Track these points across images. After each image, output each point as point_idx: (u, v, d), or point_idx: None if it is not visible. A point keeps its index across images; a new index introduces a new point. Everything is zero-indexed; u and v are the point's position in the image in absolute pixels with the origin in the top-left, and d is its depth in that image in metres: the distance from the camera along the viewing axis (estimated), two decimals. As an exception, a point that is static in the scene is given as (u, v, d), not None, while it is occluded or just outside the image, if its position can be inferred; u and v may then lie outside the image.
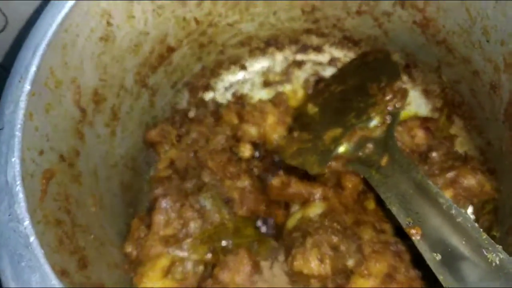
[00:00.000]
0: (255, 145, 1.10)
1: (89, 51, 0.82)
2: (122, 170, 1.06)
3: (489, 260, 0.60)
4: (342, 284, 0.87)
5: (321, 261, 0.83)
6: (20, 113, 0.76)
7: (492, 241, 0.62)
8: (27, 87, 0.77)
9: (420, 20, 0.96)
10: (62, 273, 0.71)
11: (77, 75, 0.83)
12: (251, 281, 0.84)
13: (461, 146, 1.05)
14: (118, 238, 0.99)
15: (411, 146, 1.01)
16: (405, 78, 1.12)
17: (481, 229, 0.64)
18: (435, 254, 0.66)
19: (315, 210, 0.97)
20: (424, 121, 1.02)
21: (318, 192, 0.99)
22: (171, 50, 1.05)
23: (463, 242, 0.64)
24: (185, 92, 1.21)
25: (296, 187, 1.00)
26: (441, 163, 0.95)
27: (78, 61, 0.83)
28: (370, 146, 0.87)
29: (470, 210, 0.67)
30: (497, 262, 0.59)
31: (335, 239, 0.86)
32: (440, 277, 0.64)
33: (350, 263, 0.85)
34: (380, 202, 0.91)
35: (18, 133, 0.75)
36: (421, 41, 0.98)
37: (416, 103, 1.11)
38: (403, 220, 0.72)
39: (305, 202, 1.01)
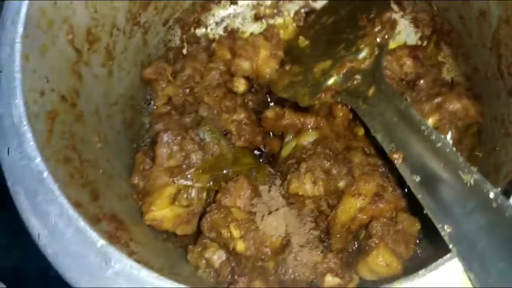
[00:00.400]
0: (249, 80, 1.13)
1: (79, -10, 0.82)
2: (123, 109, 1.09)
3: (465, 181, 0.65)
4: (334, 204, 0.96)
5: (315, 183, 0.90)
6: (17, 55, 0.78)
7: (468, 164, 0.67)
8: (20, 29, 0.79)
9: None
10: (76, 205, 0.77)
11: (68, 14, 0.83)
12: (251, 204, 0.91)
13: (448, 73, 1.09)
14: (125, 171, 1.05)
15: (400, 75, 1.04)
16: (395, 7, 1.13)
17: (459, 153, 0.69)
18: (415, 176, 0.71)
19: (308, 138, 1.03)
20: (412, 50, 1.04)
21: (311, 122, 1.04)
22: (160, -15, 1.04)
23: (441, 165, 0.69)
24: (177, 28, 1.21)
25: (290, 117, 1.04)
26: (428, 89, 0.99)
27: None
28: (358, 77, 0.91)
29: (449, 136, 0.71)
30: (472, 183, 0.64)
31: (327, 163, 0.93)
32: (419, 196, 0.70)
33: (341, 184, 0.93)
34: (369, 130, 0.97)
35: (18, 75, 0.78)
36: (412, -33, 0.97)
37: (406, 32, 1.13)
38: (386, 146, 0.78)
39: (299, 131, 1.06)
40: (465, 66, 1.03)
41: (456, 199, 0.64)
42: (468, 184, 0.63)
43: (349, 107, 0.97)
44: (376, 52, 0.92)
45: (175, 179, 0.96)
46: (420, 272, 0.55)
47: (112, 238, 0.80)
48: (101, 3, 0.91)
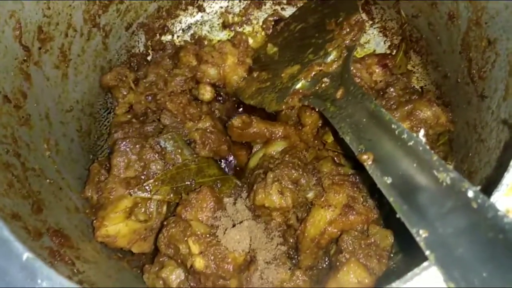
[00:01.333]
0: (215, 88, 1.08)
1: (27, -19, 0.76)
2: (79, 116, 1.02)
3: (440, 180, 0.59)
4: (303, 217, 0.90)
5: (282, 194, 0.84)
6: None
7: (443, 162, 0.62)
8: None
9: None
10: (13, 216, 0.69)
11: (16, 8, 0.76)
12: (214, 217, 0.84)
13: (418, 82, 1.07)
14: (79, 183, 0.97)
15: (370, 83, 1.01)
16: (364, 16, 1.11)
17: (432, 151, 0.64)
18: (386, 177, 0.65)
19: (277, 147, 0.98)
20: (381, 58, 1.02)
21: (279, 131, 0.99)
22: (122, -14, 0.99)
23: (414, 165, 0.64)
24: (141, 34, 1.15)
25: (258, 126, 0.99)
26: (398, 97, 0.96)
27: (16, -8, 0.77)
28: (326, 80, 0.87)
29: (421, 134, 0.66)
30: (448, 182, 0.58)
31: (295, 173, 0.88)
32: (391, 199, 0.63)
33: (310, 195, 0.87)
34: (338, 136, 0.93)
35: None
36: (380, -26, 0.96)
37: (375, 41, 1.11)
38: (355, 147, 0.73)
39: (267, 141, 1.01)
40: (435, 74, 1.02)
41: (432, 200, 0.58)
42: (444, 184, 0.57)
43: (317, 113, 0.93)
44: (344, 54, 0.89)
45: (131, 191, 0.89)
46: (394, 284, 0.49)
47: (54, 255, 0.71)
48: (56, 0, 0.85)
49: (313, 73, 0.90)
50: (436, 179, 0.60)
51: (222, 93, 1.11)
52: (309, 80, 0.90)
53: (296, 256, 0.91)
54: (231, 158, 1.07)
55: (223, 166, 1.06)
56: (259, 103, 0.97)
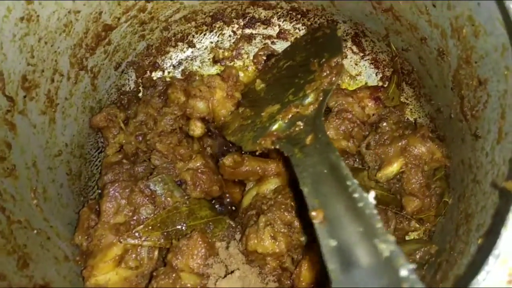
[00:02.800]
0: (206, 122, 1.07)
1: (9, 33, 0.75)
2: (68, 159, 1.00)
3: (380, 252, 0.54)
4: (299, 260, 0.87)
5: (275, 239, 0.82)
6: None
7: (386, 231, 0.57)
8: None
9: (366, -13, 0.93)
10: (-3, 277, 0.67)
11: (-2, 60, 0.76)
12: (206, 264, 0.82)
13: (411, 114, 1.06)
14: (68, 229, 0.94)
15: (362, 117, 1.00)
16: (354, 48, 1.10)
17: (379, 217, 0.58)
18: (331, 240, 0.59)
19: (270, 186, 0.96)
20: (373, 91, 1.01)
21: (272, 168, 0.98)
22: (108, 28, 0.98)
23: (361, 229, 0.58)
24: (131, 72, 1.15)
25: (250, 164, 0.97)
26: (392, 132, 0.95)
27: (-3, 45, 0.76)
28: (300, 124, 0.84)
29: (372, 195, 0.59)
30: (387, 254, 0.54)
31: (288, 215, 0.85)
32: (331, 266, 0.56)
33: (304, 239, 0.85)
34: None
35: None
36: (368, 9, 0.95)
37: (367, 73, 1.10)
38: (310, 201, 0.66)
39: (260, 179, 0.99)
40: (428, 107, 1.00)
41: (369, 275, 0.53)
42: (383, 256, 0.53)
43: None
44: (320, 98, 0.87)
45: (121, 238, 0.86)
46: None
47: (40, 314, 0.69)
48: (39, 47, 0.84)
49: (290, 114, 0.87)
50: (377, 250, 0.55)
51: (211, 128, 1.10)
52: (286, 121, 0.88)
53: (293, 300, 0.89)
54: (226, 199, 1.05)
55: (216, 206, 1.04)
56: (238, 141, 0.95)
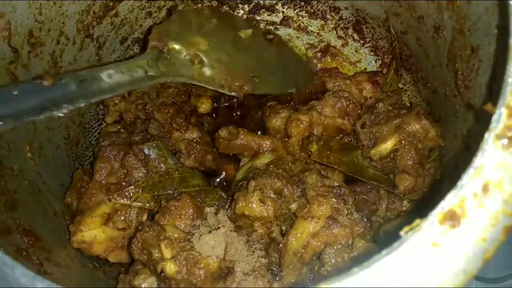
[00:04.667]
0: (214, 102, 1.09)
1: (19, -16, 0.78)
2: (67, 124, 1.02)
3: None
4: (287, 230, 0.86)
5: (263, 203, 0.82)
6: None
7: None
8: None
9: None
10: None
11: (6, 10, 0.78)
12: (192, 225, 0.82)
13: (409, 100, 1.06)
14: (61, 189, 0.95)
15: (359, 99, 1.01)
16: (355, 35, 1.12)
17: None
18: None
19: (264, 160, 0.96)
20: (372, 75, 1.02)
21: (267, 144, 0.98)
22: (116, -1, 1.02)
23: None
24: (136, 50, 1.17)
25: (245, 138, 0.98)
26: (387, 112, 0.95)
27: (7, -7, 0.79)
28: None
29: None
30: None
31: (278, 182, 0.85)
32: None
33: (294, 206, 0.85)
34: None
35: None
36: (369, -8, 0.98)
37: (366, 60, 1.12)
38: None
39: (255, 154, 1.00)
40: (425, 91, 1.01)
41: None
42: None
43: (304, 126, 0.92)
44: None
45: (111, 196, 0.87)
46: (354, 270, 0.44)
47: (21, 253, 0.69)
48: (48, 6, 0.87)
49: None
50: None
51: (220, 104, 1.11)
52: None
53: (279, 272, 0.87)
54: (221, 175, 1.05)
55: (211, 180, 1.04)
56: None
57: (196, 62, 0.93)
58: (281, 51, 1.10)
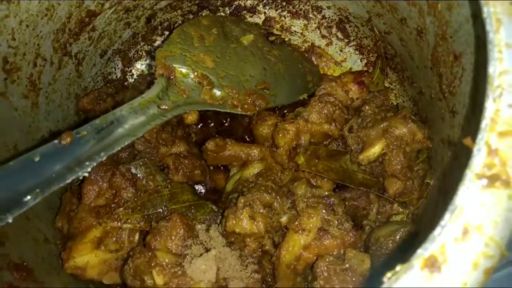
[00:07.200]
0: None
1: (-13, 13, 0.76)
2: (51, 145, 1.00)
3: None
4: (279, 242, 0.87)
5: (253, 219, 0.82)
6: None
7: None
8: None
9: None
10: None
11: (-23, 40, 0.76)
12: (184, 246, 0.81)
13: (396, 99, 1.05)
14: (50, 212, 0.94)
15: (345, 101, 0.99)
16: (339, 34, 1.10)
17: None
18: None
19: (253, 170, 0.95)
20: (357, 75, 1.00)
21: (255, 153, 0.97)
22: (92, 14, 0.99)
23: None
24: (117, 60, 1.15)
25: (233, 149, 0.97)
26: (374, 115, 0.94)
27: (-24, 25, 0.77)
28: None
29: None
30: None
31: (267, 196, 0.85)
32: None
33: (284, 219, 0.84)
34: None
35: None
36: (350, -8, 0.95)
37: (352, 59, 1.10)
38: None
39: (244, 164, 0.99)
40: (411, 90, 1.00)
41: None
42: None
43: (291, 136, 0.91)
44: None
45: (101, 220, 0.86)
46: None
47: (13, 290, 0.69)
48: (21, 30, 0.84)
49: None
50: None
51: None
52: None
53: (273, 284, 0.88)
54: (210, 185, 1.04)
55: (201, 192, 1.04)
56: None
57: (205, 84, 0.89)
58: (285, 53, 1.06)
